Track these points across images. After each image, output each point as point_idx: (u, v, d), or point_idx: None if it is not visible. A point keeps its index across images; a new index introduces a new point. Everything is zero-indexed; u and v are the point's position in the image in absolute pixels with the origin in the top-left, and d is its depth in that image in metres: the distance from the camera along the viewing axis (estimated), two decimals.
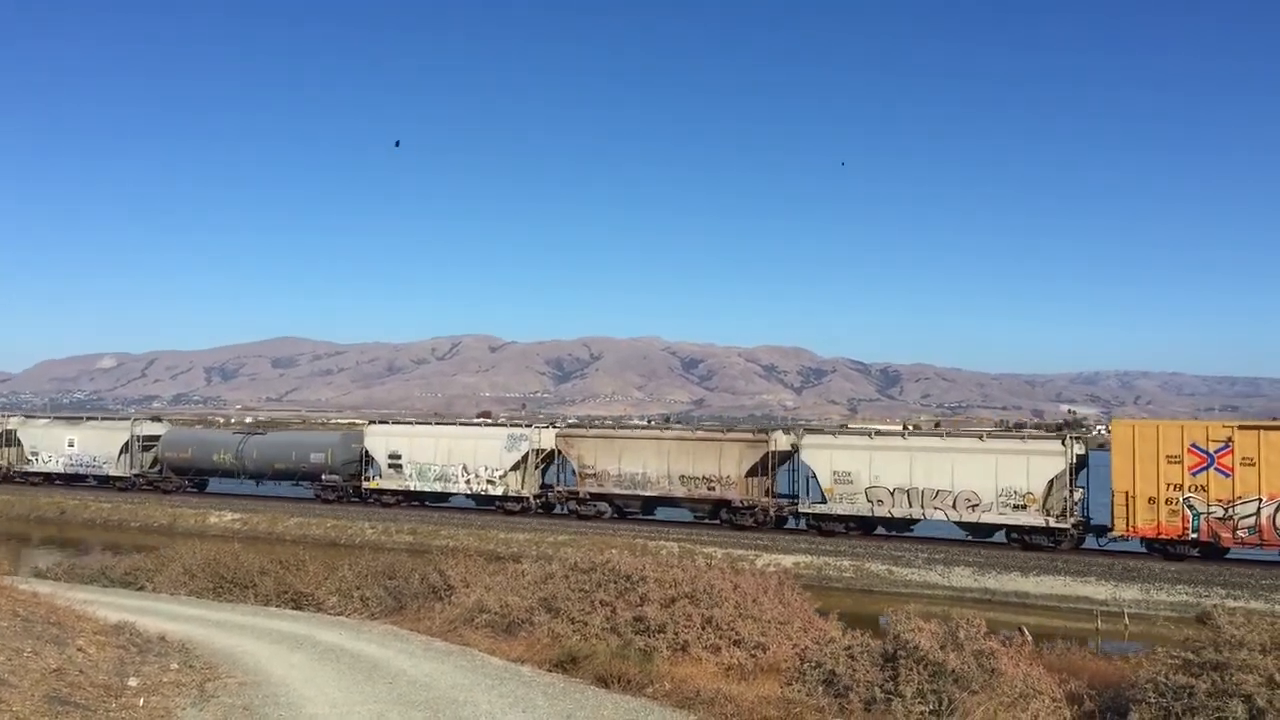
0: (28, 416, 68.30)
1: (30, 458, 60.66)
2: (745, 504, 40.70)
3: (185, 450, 56.71)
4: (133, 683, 10.19)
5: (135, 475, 56.97)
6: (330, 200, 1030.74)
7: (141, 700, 9.56)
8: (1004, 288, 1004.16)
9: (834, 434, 42.43)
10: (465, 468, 47.08)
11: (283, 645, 14.29)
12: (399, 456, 48.85)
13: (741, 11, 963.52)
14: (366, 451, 49.94)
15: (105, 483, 57.91)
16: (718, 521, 41.76)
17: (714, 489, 41.41)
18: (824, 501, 39.08)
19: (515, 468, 46.08)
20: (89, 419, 65.23)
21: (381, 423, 53.50)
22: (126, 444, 57.36)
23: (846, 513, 38.57)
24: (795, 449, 40.90)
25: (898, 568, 35.04)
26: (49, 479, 59.88)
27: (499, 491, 46.21)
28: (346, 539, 43.42)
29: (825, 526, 39.01)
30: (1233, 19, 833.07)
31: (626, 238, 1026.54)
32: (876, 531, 38.91)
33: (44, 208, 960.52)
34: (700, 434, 45.07)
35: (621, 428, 48.80)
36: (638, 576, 15.35)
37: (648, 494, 43.05)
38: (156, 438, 58.21)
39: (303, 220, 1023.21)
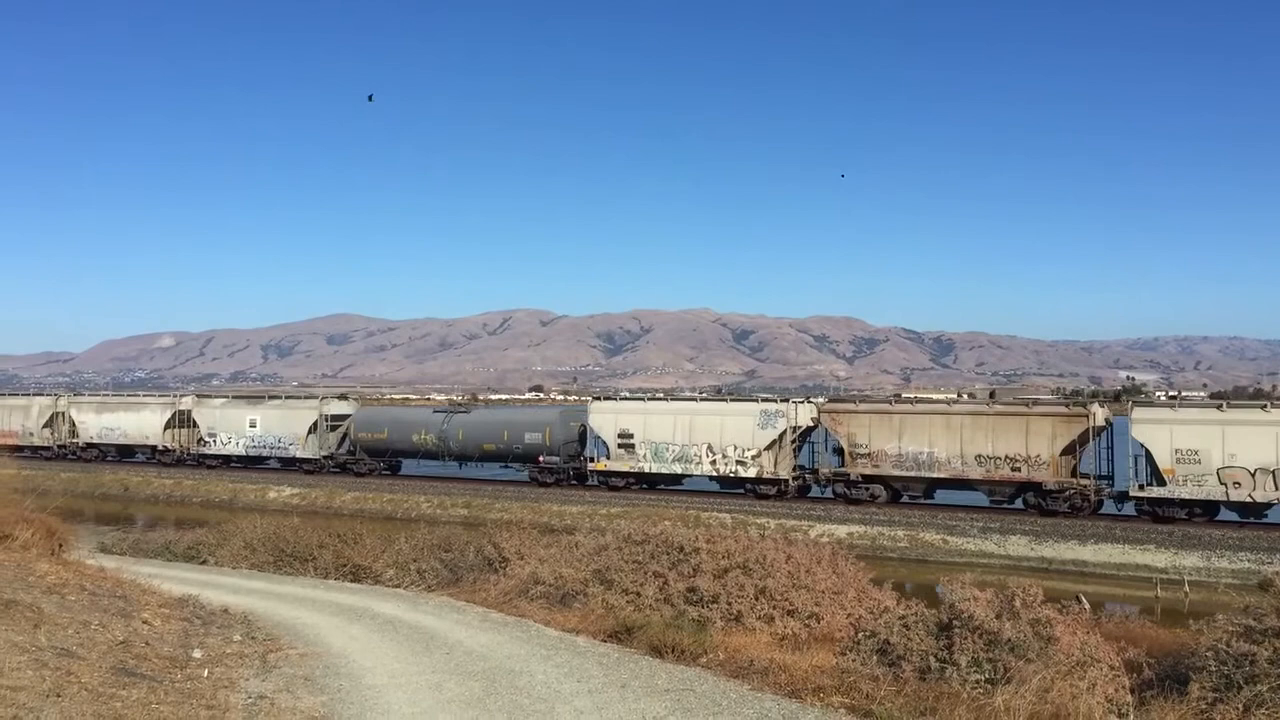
0: (200, 396, 65.95)
1: (207, 439, 58.44)
2: (1059, 487, 36.77)
3: (380, 430, 53.78)
4: (197, 654, 10.40)
5: (324, 457, 54.61)
6: (384, 178, 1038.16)
7: (206, 671, 9.75)
8: (1059, 252, 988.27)
9: (1173, 407, 38.16)
10: (710, 447, 43.48)
11: (342, 617, 14.48)
12: (631, 435, 45.35)
13: None
14: (590, 430, 47.00)
15: (290, 465, 55.74)
16: (1020, 507, 38.13)
17: (1019, 470, 37.41)
18: (1159, 483, 35.14)
19: (769, 447, 42.49)
20: (271, 397, 62.38)
21: (607, 399, 51.15)
22: (314, 424, 55.09)
23: (1192, 496, 34.46)
24: (1110, 423, 37.83)
25: (953, 537, 34.85)
26: (227, 461, 58.11)
27: (751, 473, 42.72)
28: (402, 513, 43.98)
29: (1163, 512, 35.09)
30: None
31: (676, 209, 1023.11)
32: (1219, 516, 35.00)
33: (102, 192, 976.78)
34: (1000, 408, 40.93)
35: (900, 401, 44.94)
36: (691, 548, 15.37)
37: (934, 476, 39.24)
38: (345, 417, 55.86)
39: (356, 199, 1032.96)
